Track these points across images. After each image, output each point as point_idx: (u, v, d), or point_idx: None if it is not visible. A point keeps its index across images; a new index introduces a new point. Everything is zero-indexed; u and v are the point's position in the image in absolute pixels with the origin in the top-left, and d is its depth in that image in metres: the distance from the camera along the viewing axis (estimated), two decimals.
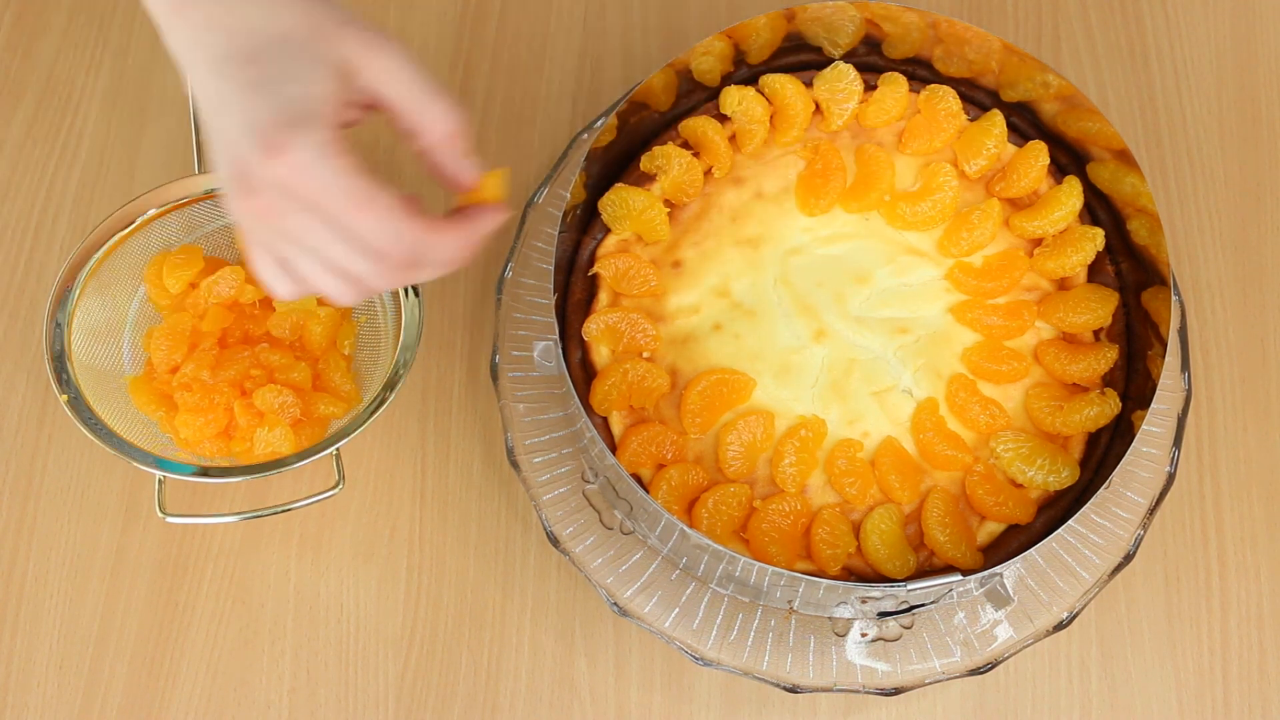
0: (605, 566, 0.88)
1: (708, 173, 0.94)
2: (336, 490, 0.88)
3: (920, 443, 0.87)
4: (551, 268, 0.87)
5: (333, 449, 0.87)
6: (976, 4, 1.09)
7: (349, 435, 0.87)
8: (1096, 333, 0.90)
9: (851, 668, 0.86)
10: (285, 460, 0.87)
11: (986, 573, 0.80)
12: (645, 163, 0.93)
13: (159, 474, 0.86)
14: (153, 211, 0.93)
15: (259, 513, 0.88)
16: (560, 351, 0.84)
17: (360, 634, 0.91)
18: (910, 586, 0.80)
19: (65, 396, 0.87)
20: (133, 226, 0.92)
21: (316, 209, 0.64)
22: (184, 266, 0.92)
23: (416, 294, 0.92)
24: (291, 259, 0.67)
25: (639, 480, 0.86)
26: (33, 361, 0.97)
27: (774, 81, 0.94)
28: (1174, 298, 0.92)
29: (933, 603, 0.87)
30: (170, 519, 0.87)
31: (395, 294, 0.92)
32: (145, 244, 0.94)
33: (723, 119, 0.94)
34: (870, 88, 0.95)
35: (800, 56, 0.96)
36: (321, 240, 0.65)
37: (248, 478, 0.86)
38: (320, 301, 0.93)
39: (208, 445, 0.89)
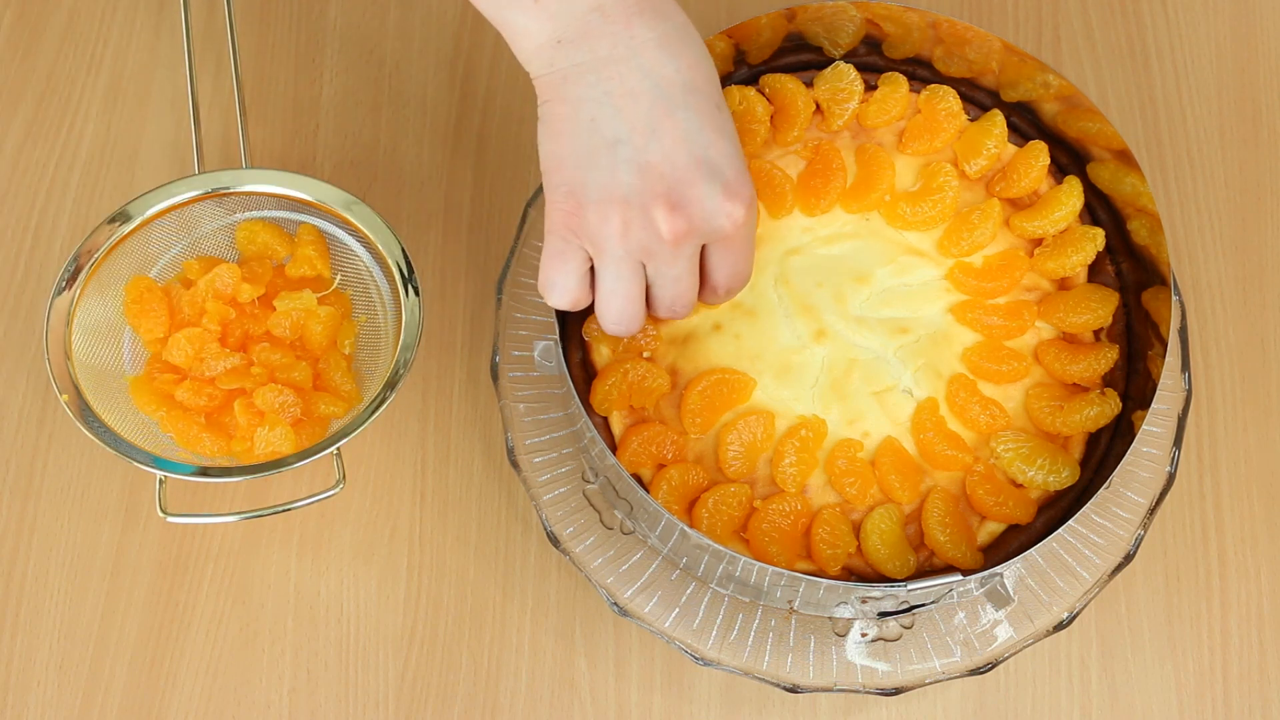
0: (605, 566, 0.88)
1: None
2: (337, 489, 0.88)
3: (920, 443, 0.87)
4: None
5: (333, 448, 0.87)
6: (976, 4, 1.09)
7: (349, 435, 0.87)
8: (1097, 333, 0.90)
9: (851, 668, 0.86)
10: (285, 460, 0.87)
11: (986, 573, 0.80)
12: None
13: (159, 474, 0.86)
14: (153, 211, 0.93)
15: (259, 512, 0.88)
16: (560, 351, 0.84)
17: (360, 634, 0.91)
18: (910, 586, 0.80)
19: (65, 396, 0.87)
20: (133, 226, 0.92)
21: (723, 246, 0.73)
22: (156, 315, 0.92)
23: (417, 293, 0.92)
24: (628, 280, 0.73)
25: (639, 480, 0.86)
26: (33, 361, 0.97)
27: (775, 81, 0.94)
28: (1174, 298, 0.92)
29: (933, 603, 0.87)
30: (171, 519, 0.87)
31: (395, 294, 0.93)
32: (145, 244, 0.94)
33: None
34: (870, 88, 0.95)
35: (801, 56, 0.96)
36: (693, 270, 0.74)
37: (248, 478, 0.86)
38: (321, 300, 0.93)
39: (208, 445, 0.89)
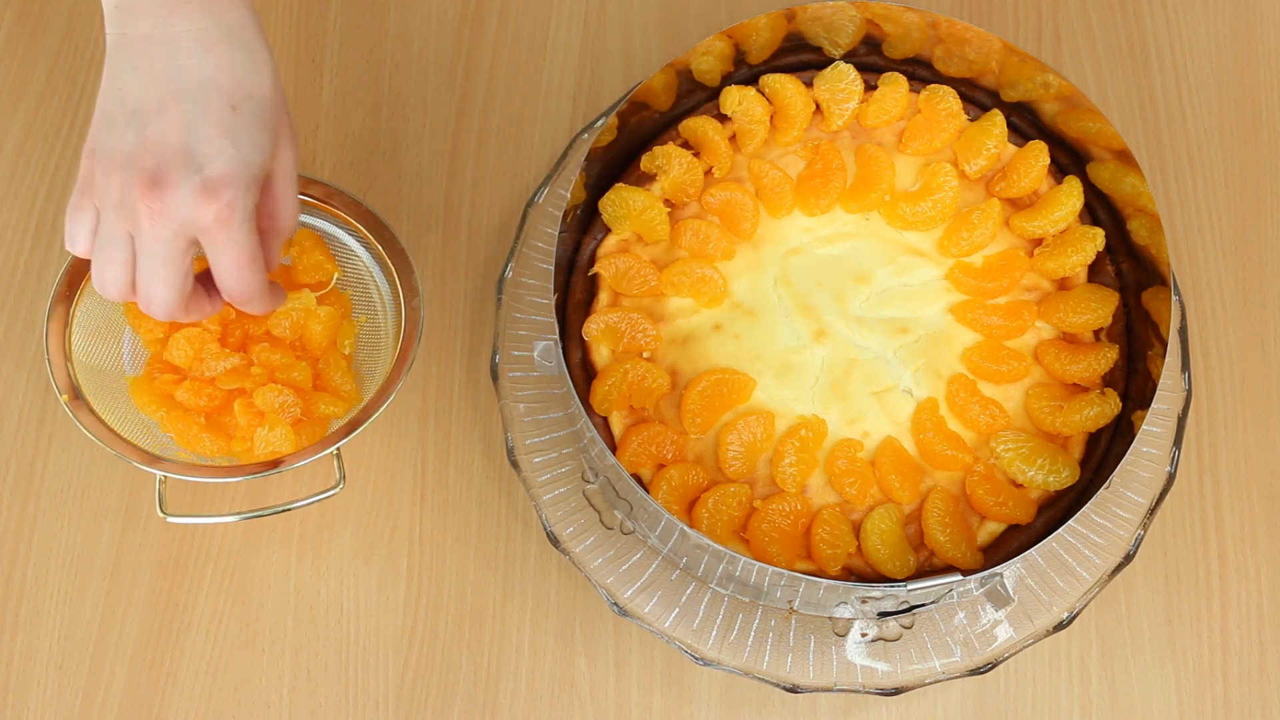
0: (605, 566, 0.88)
1: (708, 173, 0.94)
2: (337, 490, 0.88)
3: (920, 443, 0.87)
4: (551, 268, 0.87)
5: (333, 449, 0.87)
6: (976, 4, 1.09)
7: (350, 435, 0.87)
8: (1096, 333, 0.90)
9: (851, 668, 0.86)
10: (285, 460, 0.87)
11: (986, 573, 0.80)
12: (645, 163, 0.93)
13: (159, 474, 0.86)
14: None
15: (259, 513, 0.88)
16: (560, 351, 0.84)
17: (360, 634, 0.91)
18: (910, 586, 0.80)
19: (65, 396, 0.87)
20: None
21: (207, 241, 0.74)
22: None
23: (417, 294, 0.91)
24: (116, 244, 0.74)
25: (639, 480, 0.86)
26: (33, 361, 0.97)
27: (774, 81, 0.94)
28: (1174, 298, 0.92)
29: (933, 603, 0.87)
30: (171, 519, 0.87)
31: (395, 294, 0.92)
32: None
33: (723, 119, 0.95)
34: (870, 88, 0.95)
35: (800, 56, 0.96)
36: (171, 259, 0.74)
37: (248, 478, 0.86)
38: (320, 300, 0.93)
39: (207, 445, 0.89)
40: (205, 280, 0.78)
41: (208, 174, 0.71)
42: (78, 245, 0.76)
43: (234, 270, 0.75)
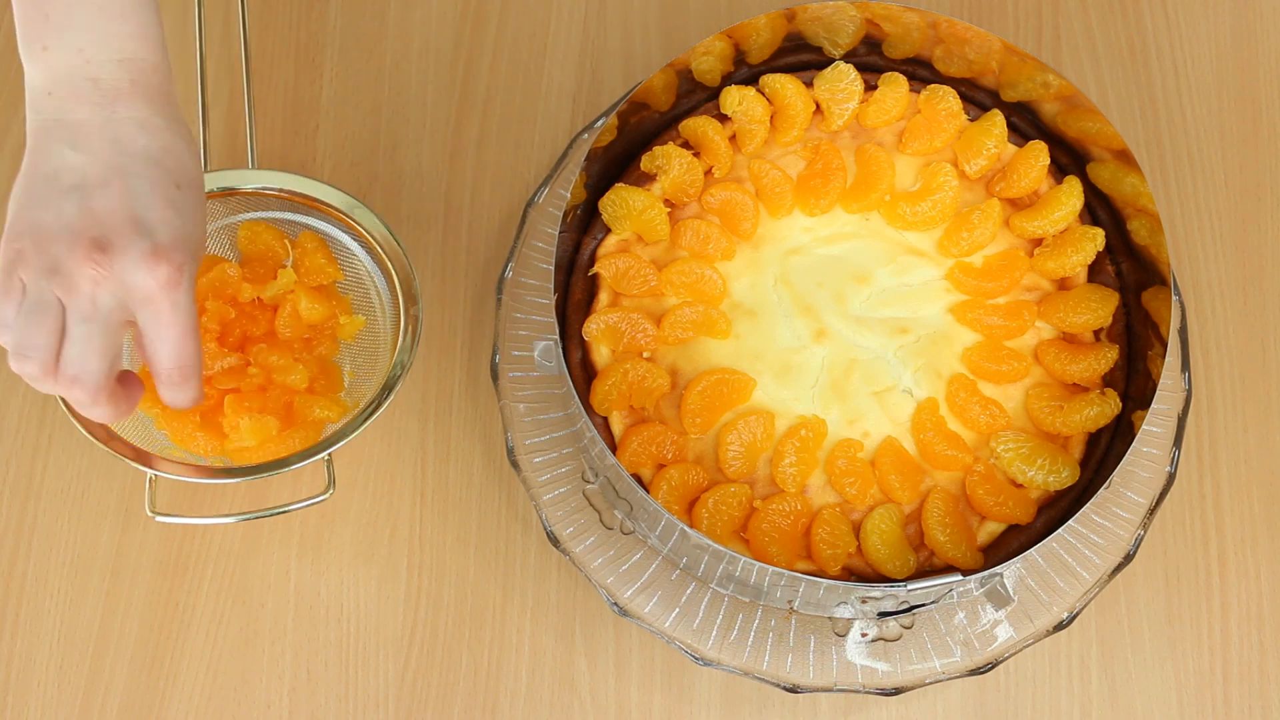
0: (605, 566, 0.88)
1: (708, 173, 0.94)
2: (326, 496, 0.87)
3: (920, 443, 0.87)
4: (552, 268, 0.87)
5: (326, 453, 0.87)
6: (976, 4, 1.09)
7: (345, 439, 0.87)
8: (1097, 333, 0.90)
9: (851, 668, 0.86)
10: (281, 462, 0.86)
11: (986, 573, 0.80)
12: (646, 163, 0.93)
13: (150, 472, 0.86)
14: None
15: (249, 515, 0.88)
16: (560, 351, 0.84)
17: (360, 634, 0.91)
18: (910, 586, 0.80)
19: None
20: None
21: (150, 311, 0.71)
22: None
23: (416, 300, 0.91)
24: (46, 311, 0.70)
25: (639, 480, 0.86)
26: None
27: (774, 81, 0.94)
28: (1174, 298, 0.92)
29: (933, 603, 0.87)
30: (160, 518, 0.87)
31: (395, 298, 0.92)
32: None
33: (723, 119, 0.95)
34: (870, 88, 0.95)
35: (800, 56, 0.96)
36: (109, 329, 0.71)
37: (236, 480, 0.86)
38: (320, 301, 0.93)
39: (201, 444, 0.89)
40: (123, 380, 0.75)
41: (158, 239, 0.71)
42: (4, 333, 0.71)
43: (176, 340, 0.72)
